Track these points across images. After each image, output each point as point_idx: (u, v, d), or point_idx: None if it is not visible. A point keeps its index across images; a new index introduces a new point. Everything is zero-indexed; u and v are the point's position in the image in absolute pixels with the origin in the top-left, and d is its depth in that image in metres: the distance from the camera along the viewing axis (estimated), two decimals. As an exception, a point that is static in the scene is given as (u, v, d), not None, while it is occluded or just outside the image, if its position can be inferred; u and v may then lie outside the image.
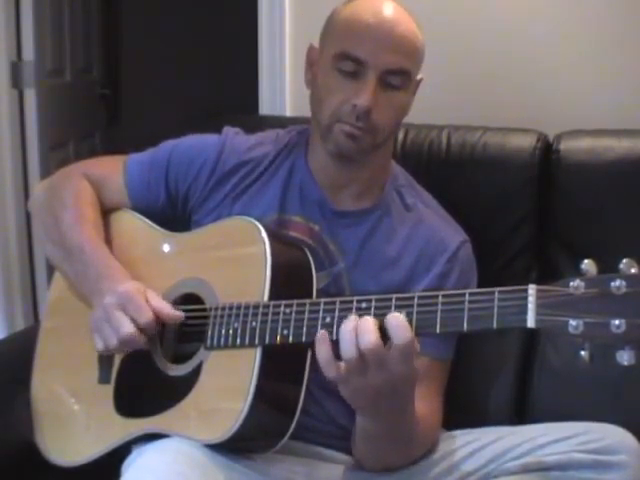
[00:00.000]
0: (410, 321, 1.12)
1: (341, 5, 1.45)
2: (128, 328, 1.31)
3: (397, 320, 1.11)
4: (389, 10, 1.40)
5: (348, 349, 1.11)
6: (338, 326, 1.15)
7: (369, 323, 1.12)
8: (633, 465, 1.27)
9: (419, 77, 1.48)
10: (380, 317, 1.12)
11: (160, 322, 1.35)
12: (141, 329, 1.32)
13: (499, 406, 1.70)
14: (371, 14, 1.39)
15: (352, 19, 1.41)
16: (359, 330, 1.11)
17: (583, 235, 1.75)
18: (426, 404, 1.37)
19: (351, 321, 1.13)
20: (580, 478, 1.28)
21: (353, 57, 1.37)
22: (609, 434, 1.30)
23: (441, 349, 1.43)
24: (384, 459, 1.35)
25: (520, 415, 1.69)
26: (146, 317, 1.32)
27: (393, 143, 1.73)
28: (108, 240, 1.51)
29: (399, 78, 1.39)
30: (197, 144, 1.57)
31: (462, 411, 1.51)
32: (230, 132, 1.59)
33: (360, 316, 1.13)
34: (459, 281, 1.45)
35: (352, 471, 1.40)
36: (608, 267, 1.00)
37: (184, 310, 1.38)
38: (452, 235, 1.50)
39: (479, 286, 1.47)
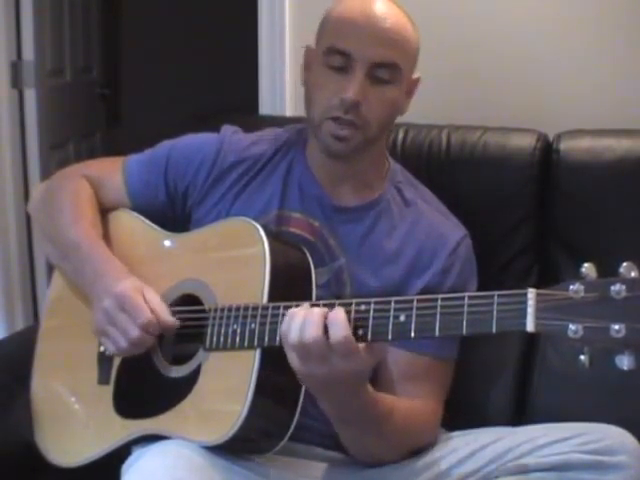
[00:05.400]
0: (409, 324, 1.12)
1: (333, 4, 1.46)
2: (135, 331, 1.32)
3: (336, 317, 1.13)
4: (379, 6, 1.41)
5: (293, 338, 1.14)
6: None
7: (315, 316, 1.14)
8: (633, 466, 1.27)
9: (416, 76, 1.48)
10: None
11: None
12: (144, 329, 1.32)
13: (499, 407, 1.70)
14: (359, 10, 1.41)
15: (341, 16, 1.43)
16: (305, 321, 1.14)
17: (583, 235, 1.75)
18: (421, 402, 1.38)
19: (301, 310, 1.15)
20: (580, 479, 1.27)
21: (340, 50, 1.38)
22: (609, 435, 1.30)
23: (443, 349, 1.42)
24: (363, 445, 1.34)
25: (520, 416, 1.68)
26: (145, 317, 1.32)
27: (389, 139, 1.74)
28: (107, 240, 1.51)
29: (387, 72, 1.39)
30: (195, 143, 1.57)
31: (462, 412, 1.51)
32: (228, 130, 1.59)
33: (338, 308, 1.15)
34: (460, 276, 1.46)
35: (350, 471, 1.40)
36: (608, 267, 1.00)
37: (183, 311, 1.38)
38: (452, 230, 1.50)
39: (480, 285, 1.48)
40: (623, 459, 1.27)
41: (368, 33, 1.38)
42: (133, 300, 1.33)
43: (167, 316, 1.34)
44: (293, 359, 1.17)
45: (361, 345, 1.15)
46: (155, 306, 1.34)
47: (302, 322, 1.14)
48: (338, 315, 1.14)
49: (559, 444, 1.31)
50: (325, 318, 1.14)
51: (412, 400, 1.37)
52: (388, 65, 1.39)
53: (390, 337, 1.14)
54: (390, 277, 1.44)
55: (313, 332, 1.13)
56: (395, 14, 1.42)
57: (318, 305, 1.18)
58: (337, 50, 1.39)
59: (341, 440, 1.34)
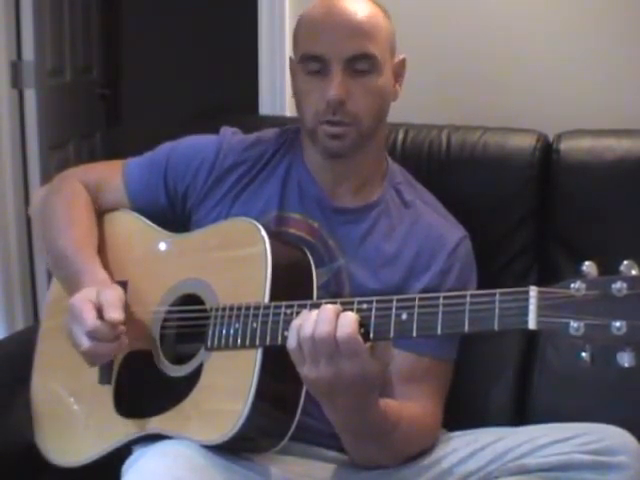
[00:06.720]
0: (411, 322, 1.12)
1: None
2: (85, 343, 1.30)
3: (345, 316, 1.14)
4: (341, 4, 1.42)
5: (306, 336, 1.14)
6: None
7: (329, 312, 1.14)
8: (633, 466, 1.27)
9: (400, 57, 1.48)
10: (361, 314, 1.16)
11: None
12: (91, 338, 1.29)
13: (499, 406, 1.70)
14: (323, 12, 1.42)
15: (307, 21, 1.45)
16: (318, 318, 1.14)
17: (583, 235, 1.75)
18: (422, 404, 1.38)
19: (313, 312, 1.16)
20: (580, 479, 1.27)
21: (313, 56, 1.40)
22: (609, 435, 1.30)
23: (442, 349, 1.43)
24: (365, 453, 1.35)
25: (520, 415, 1.68)
26: (88, 325, 1.29)
27: (388, 139, 1.73)
28: (107, 241, 1.52)
29: (365, 63, 1.40)
30: (195, 144, 1.57)
31: (462, 411, 1.51)
32: (228, 132, 1.59)
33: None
34: (460, 277, 1.46)
35: (351, 471, 1.40)
36: (608, 267, 1.00)
37: (184, 311, 1.38)
38: (451, 231, 1.50)
39: (479, 285, 1.47)
40: (623, 459, 1.27)
41: (334, 31, 1.39)
42: (78, 309, 1.31)
43: (111, 313, 1.30)
44: (301, 361, 1.16)
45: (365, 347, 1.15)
46: (104, 306, 1.30)
47: (315, 320, 1.15)
48: (347, 313, 1.15)
49: (560, 444, 1.31)
50: (337, 316, 1.15)
51: (413, 403, 1.36)
52: (362, 56, 1.39)
53: (392, 335, 1.14)
54: (389, 279, 1.44)
55: (325, 327, 1.13)
56: (358, 7, 1.42)
57: (319, 305, 1.18)
58: (310, 56, 1.40)
59: (343, 444, 1.34)
